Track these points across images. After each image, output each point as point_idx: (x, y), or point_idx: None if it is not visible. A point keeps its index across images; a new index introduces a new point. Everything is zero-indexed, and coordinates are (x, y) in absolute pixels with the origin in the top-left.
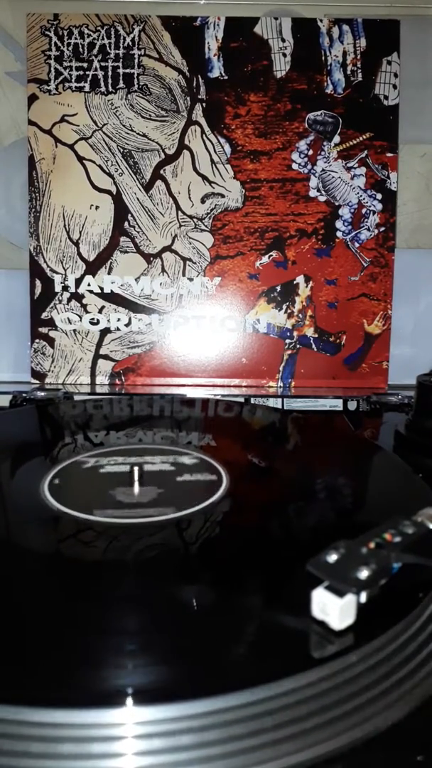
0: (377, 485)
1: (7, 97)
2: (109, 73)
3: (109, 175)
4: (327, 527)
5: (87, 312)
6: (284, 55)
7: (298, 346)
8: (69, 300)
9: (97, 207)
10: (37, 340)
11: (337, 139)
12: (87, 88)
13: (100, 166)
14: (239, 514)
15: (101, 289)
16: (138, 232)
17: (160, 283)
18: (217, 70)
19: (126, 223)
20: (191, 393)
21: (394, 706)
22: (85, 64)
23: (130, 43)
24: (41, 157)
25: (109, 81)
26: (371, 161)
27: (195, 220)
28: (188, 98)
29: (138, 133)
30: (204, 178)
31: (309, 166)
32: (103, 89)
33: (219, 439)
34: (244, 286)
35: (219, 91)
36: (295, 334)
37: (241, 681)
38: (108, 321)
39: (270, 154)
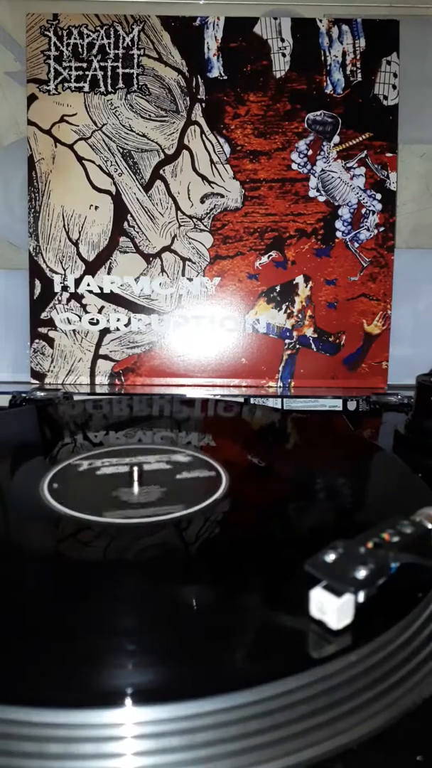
0: (376, 485)
1: (6, 97)
2: (109, 73)
3: (109, 175)
4: (326, 527)
5: (86, 312)
6: (284, 55)
7: (297, 346)
8: (68, 300)
9: (96, 207)
10: (36, 341)
11: (336, 139)
12: (86, 88)
13: (99, 167)
14: (238, 514)
15: (101, 289)
16: (137, 232)
17: (160, 283)
18: (216, 70)
19: (125, 223)
20: (191, 393)
21: (393, 706)
22: (84, 64)
23: (130, 43)
24: (41, 157)
25: (109, 81)
26: (371, 161)
27: (194, 220)
28: (188, 98)
29: (137, 133)
30: (203, 178)
31: (308, 166)
32: (102, 89)
33: (218, 439)
34: (244, 286)
35: (218, 91)
36: (294, 334)
37: (239, 681)
38: (107, 321)
39: (269, 154)
